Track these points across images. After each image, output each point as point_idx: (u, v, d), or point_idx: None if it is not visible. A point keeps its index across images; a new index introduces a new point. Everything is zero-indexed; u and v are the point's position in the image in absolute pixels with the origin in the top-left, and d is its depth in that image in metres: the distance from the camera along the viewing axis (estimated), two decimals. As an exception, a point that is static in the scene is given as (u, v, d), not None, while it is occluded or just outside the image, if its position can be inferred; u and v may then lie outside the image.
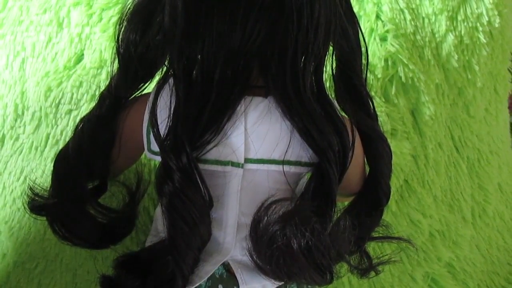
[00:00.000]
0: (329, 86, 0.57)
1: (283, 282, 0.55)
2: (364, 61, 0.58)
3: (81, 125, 0.56)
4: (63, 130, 0.72)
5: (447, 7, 0.77)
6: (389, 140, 0.60)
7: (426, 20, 0.77)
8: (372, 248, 0.73)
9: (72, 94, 0.71)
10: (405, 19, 0.76)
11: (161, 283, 0.51)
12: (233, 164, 0.52)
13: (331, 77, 0.58)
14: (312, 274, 0.51)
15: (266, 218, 0.50)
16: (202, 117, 0.49)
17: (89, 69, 0.71)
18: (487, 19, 0.78)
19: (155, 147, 0.52)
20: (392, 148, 0.60)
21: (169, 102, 0.51)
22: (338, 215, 0.54)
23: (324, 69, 0.54)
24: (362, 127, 0.57)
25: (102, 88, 0.58)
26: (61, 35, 0.73)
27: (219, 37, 0.48)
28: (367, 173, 0.60)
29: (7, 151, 0.74)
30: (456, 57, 0.78)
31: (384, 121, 0.74)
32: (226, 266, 0.55)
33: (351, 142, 0.54)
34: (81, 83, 0.71)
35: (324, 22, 0.50)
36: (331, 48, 0.55)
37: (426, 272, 0.83)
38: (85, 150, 0.55)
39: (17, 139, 0.74)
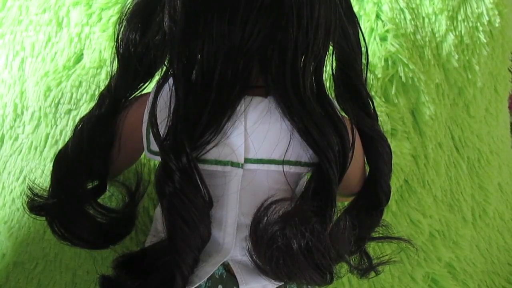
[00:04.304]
0: (329, 86, 0.57)
1: (283, 283, 0.55)
2: (364, 61, 0.58)
3: (80, 125, 0.56)
4: (63, 130, 0.71)
5: (447, 6, 0.76)
6: (389, 140, 0.60)
7: (426, 20, 0.77)
8: (372, 248, 0.73)
9: (72, 94, 0.71)
10: (405, 18, 0.76)
11: (161, 283, 0.51)
12: (233, 164, 0.52)
13: (331, 77, 0.57)
14: (312, 275, 0.51)
15: (266, 218, 0.50)
16: (202, 117, 0.49)
17: (88, 69, 0.71)
18: (487, 18, 0.78)
19: (154, 147, 0.52)
20: (392, 148, 0.60)
21: (168, 102, 0.51)
22: (338, 215, 0.54)
23: (324, 69, 0.54)
24: (362, 127, 0.57)
25: (102, 88, 0.58)
26: (61, 35, 0.73)
27: (219, 37, 0.48)
28: (367, 173, 0.60)
29: (6, 151, 0.74)
30: (456, 56, 0.78)
31: (384, 121, 0.74)
32: (226, 267, 0.55)
33: (351, 142, 0.54)
34: (80, 83, 0.71)
35: (324, 22, 0.50)
36: (331, 48, 0.55)
37: (426, 272, 0.83)
38: (85, 150, 0.55)
39: (16, 139, 0.73)
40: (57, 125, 0.72)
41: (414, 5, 0.77)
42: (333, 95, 0.57)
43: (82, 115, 0.58)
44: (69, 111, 0.71)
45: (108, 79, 0.56)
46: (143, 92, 0.57)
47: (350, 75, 0.57)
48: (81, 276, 0.74)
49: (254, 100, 0.52)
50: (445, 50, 0.78)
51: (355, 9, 0.62)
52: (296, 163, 0.53)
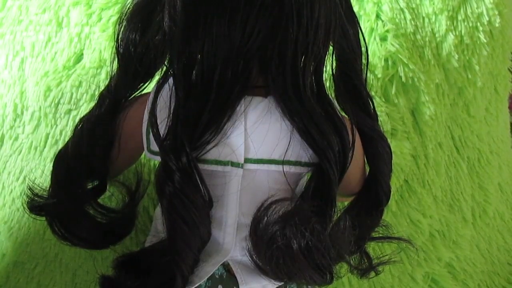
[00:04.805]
0: (329, 86, 0.57)
1: (283, 282, 0.55)
2: (364, 61, 0.58)
3: (80, 125, 0.56)
4: (63, 130, 0.72)
5: (447, 6, 0.76)
6: (389, 140, 0.60)
7: (426, 20, 0.77)
8: (372, 248, 0.73)
9: (72, 94, 0.71)
10: (405, 18, 0.76)
11: (161, 283, 0.51)
12: (233, 164, 0.52)
13: (331, 77, 0.57)
14: (312, 274, 0.50)
15: (266, 218, 0.50)
16: (202, 117, 0.49)
17: (88, 69, 0.71)
18: (487, 18, 0.78)
19: (154, 147, 0.52)
20: (392, 148, 0.60)
21: (168, 102, 0.51)
22: (338, 215, 0.54)
23: (324, 69, 0.54)
24: (362, 127, 0.57)
25: (102, 88, 0.58)
26: (61, 35, 0.73)
27: (219, 37, 0.48)
28: (367, 173, 0.60)
29: (6, 151, 0.74)
30: (456, 56, 0.78)
31: (384, 121, 0.74)
32: (226, 267, 0.55)
33: (351, 142, 0.54)
34: (80, 83, 0.71)
35: (324, 22, 0.50)
36: (331, 48, 0.55)
37: (426, 272, 0.83)
38: (85, 150, 0.55)
39: (16, 139, 0.73)
40: (57, 125, 0.72)
41: (414, 5, 0.77)
42: (333, 95, 0.57)
43: (82, 115, 0.57)
44: (69, 111, 0.71)
45: (108, 79, 0.56)
46: (143, 92, 0.57)
47: (350, 75, 0.57)
48: (81, 276, 0.74)
49: (254, 100, 0.52)
50: (445, 50, 0.78)
51: (355, 9, 0.62)
52: (296, 163, 0.53)
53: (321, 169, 0.52)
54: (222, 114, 0.50)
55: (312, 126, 0.51)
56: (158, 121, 0.51)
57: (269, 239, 0.49)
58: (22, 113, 0.73)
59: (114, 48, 0.54)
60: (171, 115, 0.50)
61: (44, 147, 0.72)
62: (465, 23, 0.78)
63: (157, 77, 0.54)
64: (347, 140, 0.53)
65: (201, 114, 0.49)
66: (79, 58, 0.73)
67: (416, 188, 0.80)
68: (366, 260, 0.58)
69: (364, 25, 0.75)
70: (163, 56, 0.53)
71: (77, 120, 0.61)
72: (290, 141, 0.52)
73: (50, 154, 0.72)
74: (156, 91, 0.52)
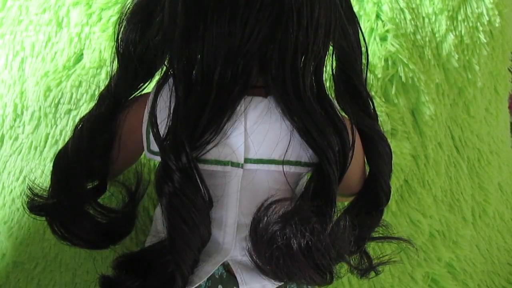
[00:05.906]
0: (329, 86, 0.57)
1: (283, 282, 0.55)
2: (364, 61, 0.58)
3: (80, 125, 0.56)
4: (63, 130, 0.72)
5: (447, 6, 0.77)
6: (389, 140, 0.60)
7: (426, 20, 0.77)
8: (372, 248, 0.73)
9: (72, 94, 0.71)
10: (405, 18, 0.76)
11: (161, 284, 0.51)
12: (233, 164, 0.52)
13: (331, 77, 0.57)
14: (312, 274, 0.50)
15: (266, 218, 0.50)
16: (202, 117, 0.49)
17: (88, 69, 0.71)
18: (487, 18, 0.78)
19: (154, 147, 0.52)
20: (392, 148, 0.60)
21: (168, 102, 0.51)
22: (338, 215, 0.54)
23: (324, 69, 0.54)
24: (362, 127, 0.57)
25: (102, 88, 0.58)
26: (61, 35, 0.73)
27: (219, 37, 0.48)
28: (367, 173, 0.60)
29: (6, 151, 0.74)
30: (456, 56, 0.78)
31: (384, 121, 0.74)
32: (226, 267, 0.55)
33: (351, 142, 0.54)
34: (80, 83, 0.71)
35: (324, 22, 0.50)
36: (331, 48, 0.55)
37: (426, 272, 0.83)
38: (85, 150, 0.55)
39: (16, 139, 0.73)
40: (57, 125, 0.72)
41: (414, 5, 0.77)
42: (333, 95, 0.57)
43: (82, 115, 0.58)
44: (69, 111, 0.71)
45: (108, 79, 0.56)
46: (143, 92, 0.57)
47: (350, 75, 0.57)
48: (81, 276, 0.74)
49: (254, 100, 0.52)
50: (445, 50, 0.78)
51: (355, 9, 0.62)
52: (296, 163, 0.53)
53: (321, 169, 0.52)
54: (222, 114, 0.50)
55: (312, 126, 0.51)
56: (158, 121, 0.51)
57: (269, 239, 0.49)
58: (22, 113, 0.73)
59: (114, 48, 0.54)
60: (171, 115, 0.50)
61: (44, 147, 0.72)
62: (465, 23, 0.78)
63: (157, 77, 0.54)
64: (347, 140, 0.53)
65: (201, 114, 0.49)
66: (79, 58, 0.73)
67: (416, 188, 0.80)
68: (366, 260, 0.58)
69: (364, 25, 0.75)
70: (163, 56, 0.53)
71: (77, 120, 0.61)
72: (290, 141, 0.52)
73: (50, 154, 0.72)
74: (156, 91, 0.52)
